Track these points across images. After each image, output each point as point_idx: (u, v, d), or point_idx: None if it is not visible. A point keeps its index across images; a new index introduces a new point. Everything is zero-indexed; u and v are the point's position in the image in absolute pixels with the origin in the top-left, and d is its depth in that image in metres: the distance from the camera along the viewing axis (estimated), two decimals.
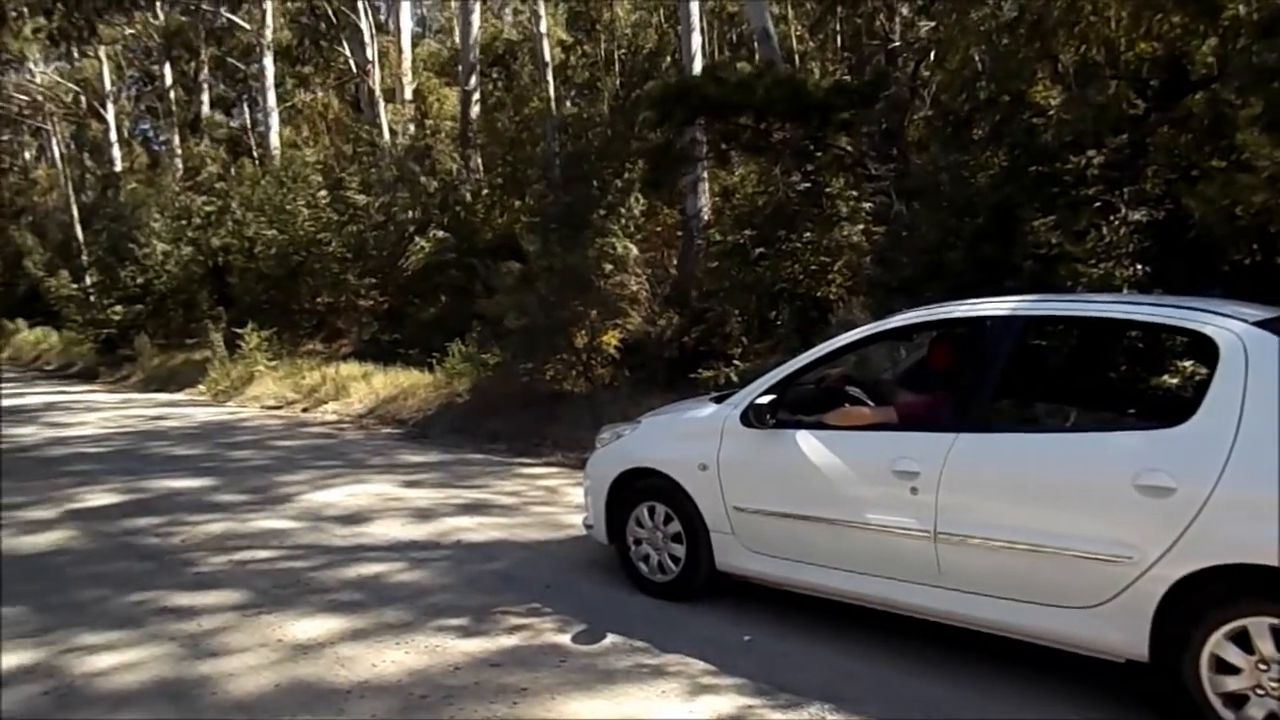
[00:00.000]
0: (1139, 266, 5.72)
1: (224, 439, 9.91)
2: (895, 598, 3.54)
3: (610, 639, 3.83)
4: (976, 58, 8.45)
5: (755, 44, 11.17)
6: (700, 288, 9.87)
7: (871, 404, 4.12)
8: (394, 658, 3.67)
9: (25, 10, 22.50)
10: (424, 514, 6.14)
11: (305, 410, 12.34)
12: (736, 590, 4.18)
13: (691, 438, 4.25)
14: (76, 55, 28.24)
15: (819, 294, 8.47)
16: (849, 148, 9.00)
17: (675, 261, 11.72)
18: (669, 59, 17.03)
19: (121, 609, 4.32)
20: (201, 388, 15.20)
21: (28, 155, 36.50)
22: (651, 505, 4.34)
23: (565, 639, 3.85)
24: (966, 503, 3.28)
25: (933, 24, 9.72)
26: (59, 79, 29.38)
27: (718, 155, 10.04)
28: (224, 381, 14.75)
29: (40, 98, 29.60)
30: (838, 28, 15.00)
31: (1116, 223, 5.84)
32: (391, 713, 3.21)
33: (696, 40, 11.91)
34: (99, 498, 6.87)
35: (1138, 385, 5.13)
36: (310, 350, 15.47)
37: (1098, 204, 5.94)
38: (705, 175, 11.36)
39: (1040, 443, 3.35)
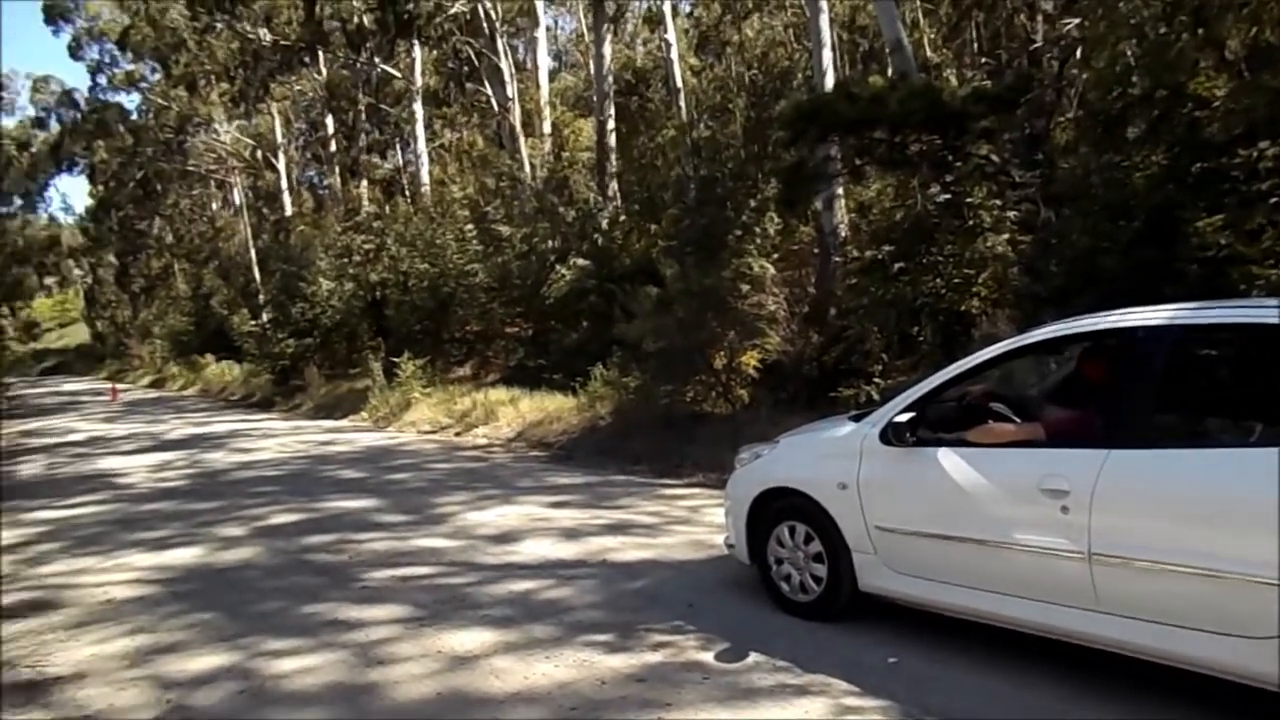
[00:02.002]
0: None
1: (385, 463, 10.54)
2: (1048, 622, 3.40)
3: (753, 657, 3.86)
4: (1128, 52, 8.02)
5: (888, 55, 11.01)
6: (839, 305, 9.76)
7: (1017, 420, 3.99)
8: (544, 670, 3.84)
9: (212, 77, 24.98)
10: (570, 534, 6.36)
11: (457, 434, 12.95)
12: (880, 611, 4.12)
13: (830, 457, 4.24)
14: (253, 113, 30.95)
15: (962, 308, 8.22)
16: (990, 156, 8.71)
17: (813, 280, 11.63)
18: (800, 76, 16.97)
19: (300, 619, 4.71)
20: (363, 414, 16.19)
21: (214, 205, 40.18)
22: (792, 525, 4.35)
23: (708, 657, 3.91)
24: (1123, 523, 3.13)
25: (1078, 20, 9.29)
26: (239, 135, 32.34)
27: (852, 171, 9.93)
28: (383, 408, 15.66)
29: (224, 153, 32.67)
30: (974, 33, 14.52)
31: None
32: None
33: (827, 56, 11.84)
34: (279, 517, 7.48)
35: None
36: (460, 377, 16.23)
37: (1273, 199, 5.52)
38: (840, 191, 11.24)
39: (1202, 459, 3.14)
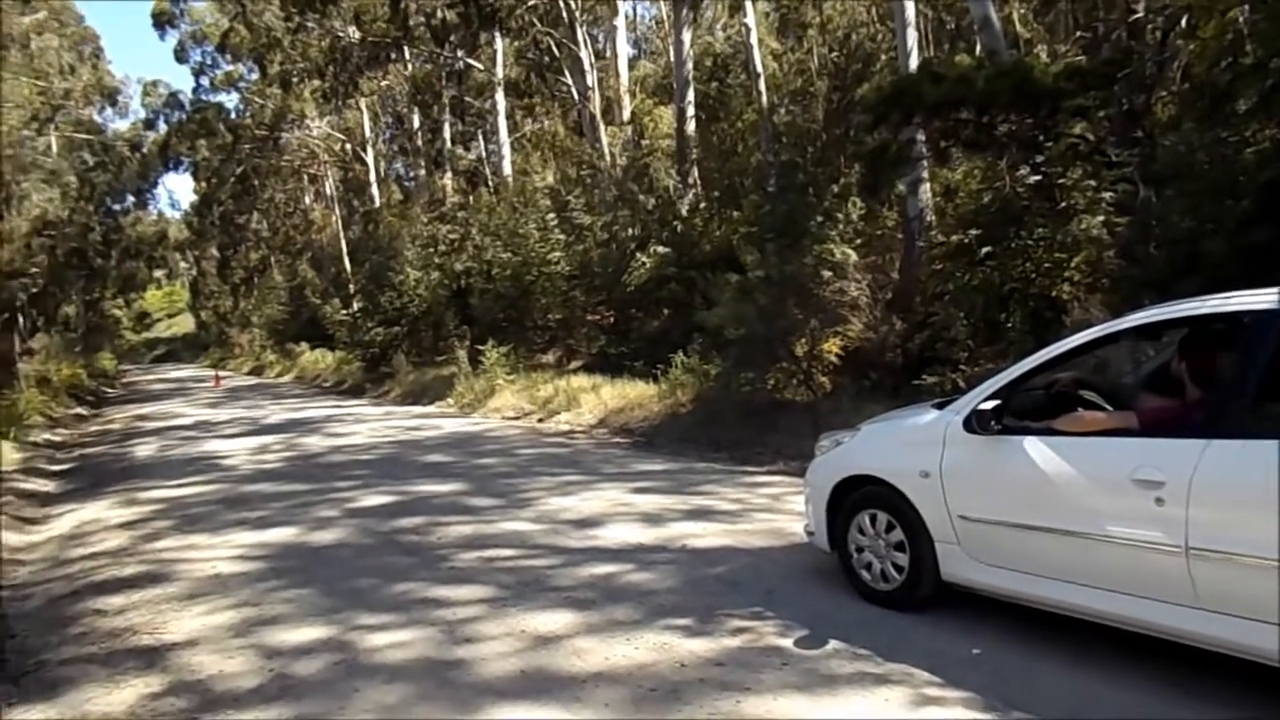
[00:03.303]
0: None
1: (471, 448, 10.81)
2: (1143, 618, 3.30)
3: (832, 644, 3.86)
4: (1240, 19, 7.60)
5: (976, 33, 10.68)
6: (923, 291, 9.57)
7: (1109, 408, 3.86)
8: (624, 652, 3.92)
9: (305, 75, 25.94)
10: (651, 519, 6.43)
11: (540, 421, 13.18)
12: (964, 601, 4.07)
13: (913, 445, 4.19)
14: (342, 109, 31.96)
15: (1053, 293, 7.96)
16: (1085, 134, 8.38)
17: (896, 265, 11.41)
18: (883, 58, 16.59)
19: (391, 596, 4.90)
20: (449, 401, 16.62)
21: (307, 199, 41.68)
22: (873, 513, 4.32)
23: (787, 643, 3.92)
24: (1224, 517, 3.01)
25: None
26: (330, 131, 33.47)
27: (937, 154, 9.70)
28: (468, 395, 16.05)
29: (316, 148, 33.87)
30: (1069, 5, 13.94)
31: None
32: (623, 703, 3.44)
33: (912, 36, 11.57)
34: (370, 499, 7.77)
35: None
36: (543, 364, 16.50)
37: None
38: (925, 175, 10.98)
39: None
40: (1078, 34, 13.40)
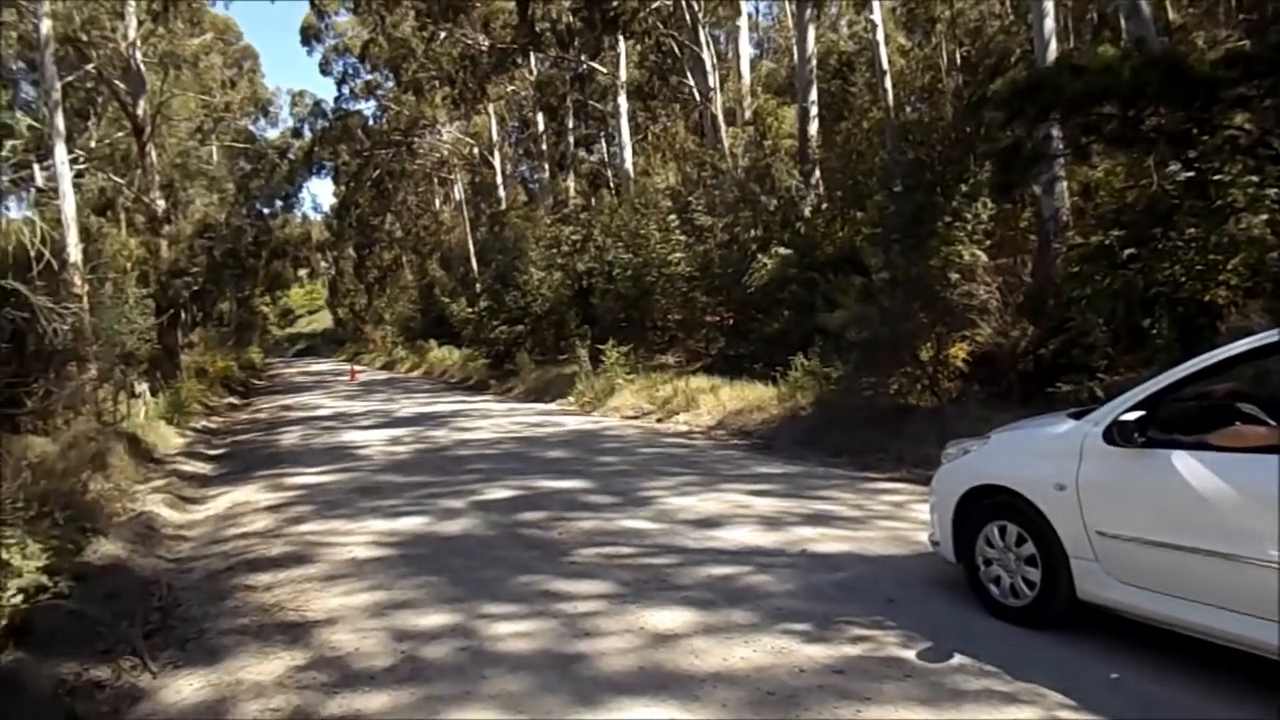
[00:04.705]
0: None
1: (591, 446, 11.02)
2: None
3: (957, 659, 3.76)
4: None
5: (1122, 21, 10.10)
6: (1058, 295, 9.12)
7: (1271, 422, 3.60)
8: (742, 654, 3.93)
9: (436, 82, 27.06)
10: (770, 522, 6.40)
11: (659, 421, 13.30)
12: (1099, 621, 3.88)
13: (1047, 455, 4.02)
14: (470, 114, 33.10)
15: (1206, 298, 7.44)
16: (1246, 126, 7.79)
17: (1029, 267, 10.93)
18: (1018, 51, 15.89)
19: (515, 588, 5.06)
20: (570, 399, 16.97)
21: (437, 202, 43.41)
22: (1002, 525, 4.18)
23: (909, 654, 3.84)
24: None
25: None
26: (459, 135, 34.78)
27: (1076, 151, 9.21)
28: (589, 393, 16.35)
29: (446, 152, 35.27)
30: None
31: None
32: (741, 704, 3.45)
33: (1049, 27, 11.02)
34: (495, 493, 8.04)
35: None
36: (662, 364, 16.63)
37: None
38: (1062, 173, 10.46)
39: None
40: (1240, 17, 12.47)
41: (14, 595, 4.10)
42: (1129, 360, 7.73)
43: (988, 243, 10.05)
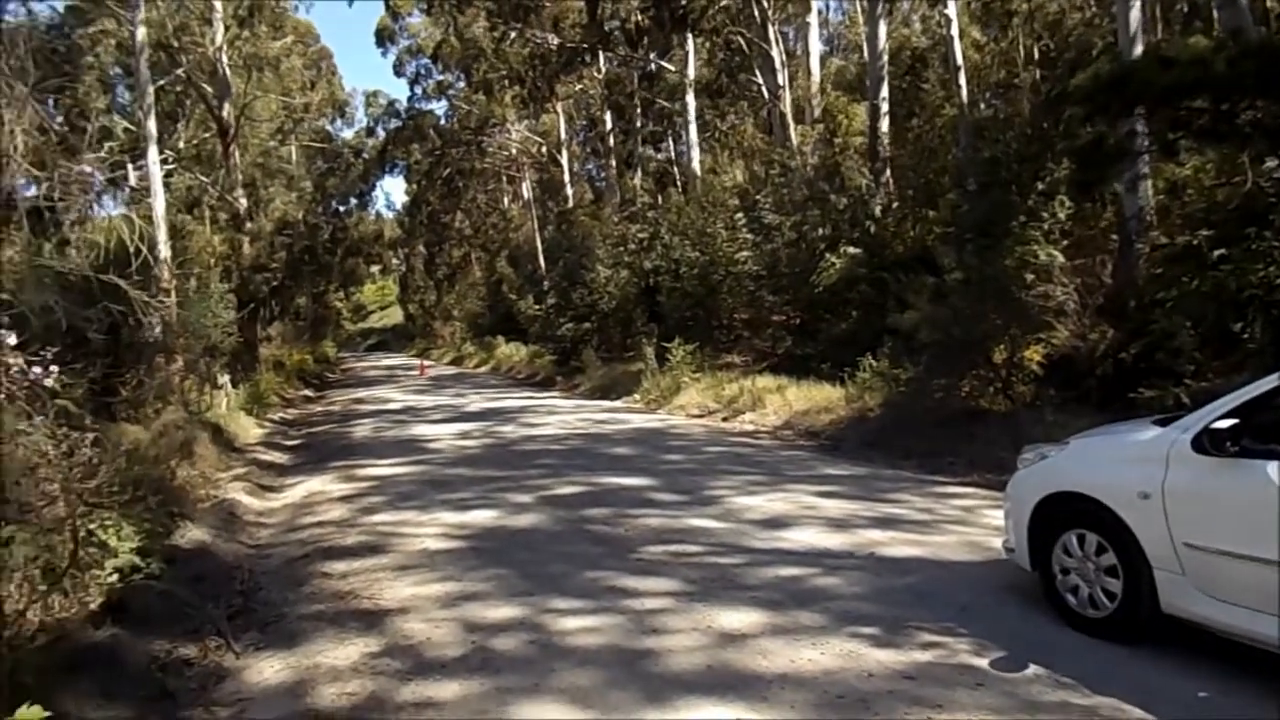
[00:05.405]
0: None
1: (657, 443, 11.04)
2: None
3: (1032, 669, 3.67)
4: None
5: (1215, 10, 9.69)
6: (1141, 297, 8.81)
7: None
8: (810, 656, 3.90)
9: (505, 82, 27.46)
10: (838, 524, 6.34)
11: (725, 420, 13.26)
12: (1184, 636, 3.74)
13: (1130, 462, 3.90)
14: (539, 113, 33.48)
15: None
16: None
17: (1109, 269, 10.57)
18: (1099, 43, 15.38)
19: (583, 583, 5.11)
20: (636, 396, 17.03)
21: (505, 200, 44.00)
22: (1081, 533, 4.06)
23: (982, 662, 3.77)
24: None
25: None
26: (528, 134, 35.21)
27: (1163, 147, 8.87)
28: (654, 391, 16.37)
29: (515, 151, 35.74)
30: None
31: None
32: (809, 706, 3.43)
33: (1135, 18, 10.63)
34: (562, 488, 8.12)
35: None
36: (728, 363, 16.56)
37: None
38: (1147, 171, 10.09)
39: None
40: None
41: (111, 575, 4.32)
42: (1218, 366, 7.43)
43: (1065, 242, 9.75)
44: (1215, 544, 3.48)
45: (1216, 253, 7.62)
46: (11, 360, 3.83)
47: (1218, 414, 3.52)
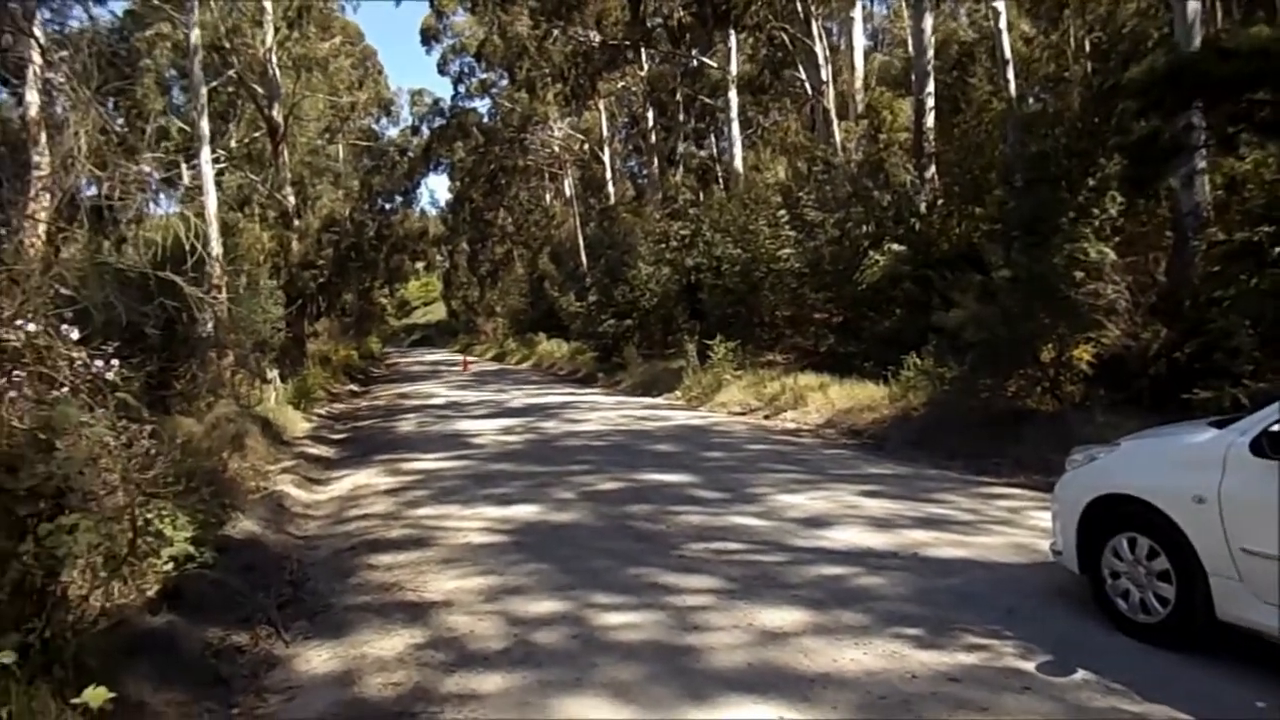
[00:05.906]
0: None
1: (698, 440, 11.03)
2: None
3: (1081, 674, 3.61)
4: None
5: (1277, 1, 9.40)
6: (1197, 295, 8.58)
7: None
8: (852, 656, 3.88)
9: (548, 79, 27.64)
10: (881, 523, 6.28)
11: (766, 417, 13.20)
12: (1240, 645, 3.65)
13: (1185, 465, 3.82)
14: (581, 110, 33.60)
15: None
16: None
17: (1162, 266, 10.32)
18: (1155, 35, 14.98)
19: (624, 579, 5.14)
20: (677, 393, 17.02)
21: (548, 197, 44.27)
22: (1132, 537, 3.99)
23: (1029, 666, 3.72)
24: None
25: None
26: (570, 131, 35.38)
27: (1222, 141, 8.63)
28: (696, 388, 16.35)
29: (557, 148, 35.94)
30: None
31: None
32: (852, 707, 3.42)
33: (1193, 9, 10.32)
34: (603, 484, 8.16)
35: None
36: (770, 361, 16.47)
37: None
38: (1204, 166, 9.82)
39: None
40: None
41: (166, 563, 4.45)
42: (1278, 366, 7.20)
43: (1116, 239, 9.54)
44: (1275, 550, 3.39)
45: (1277, 250, 7.40)
46: (75, 354, 3.95)
47: (1278, 416, 3.43)
